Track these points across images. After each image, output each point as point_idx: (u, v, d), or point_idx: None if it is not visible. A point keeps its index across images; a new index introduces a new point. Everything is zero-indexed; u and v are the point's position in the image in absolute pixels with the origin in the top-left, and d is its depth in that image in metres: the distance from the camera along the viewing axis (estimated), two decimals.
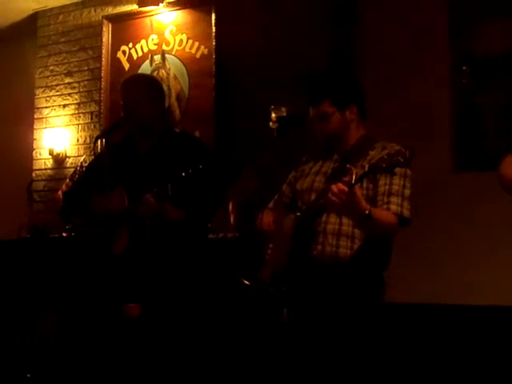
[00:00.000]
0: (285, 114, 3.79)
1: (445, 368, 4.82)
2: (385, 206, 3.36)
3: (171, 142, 4.06)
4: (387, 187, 3.41)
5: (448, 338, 4.94)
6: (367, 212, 3.16)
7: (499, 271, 4.93)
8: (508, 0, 5.24)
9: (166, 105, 5.88)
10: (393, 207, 3.37)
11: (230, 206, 5.23)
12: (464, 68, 5.43)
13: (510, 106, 5.22)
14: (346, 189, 3.06)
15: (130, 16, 6.77)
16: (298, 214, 3.52)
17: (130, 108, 4.02)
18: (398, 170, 3.37)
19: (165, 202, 3.76)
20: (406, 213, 3.40)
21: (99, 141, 4.32)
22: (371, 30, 5.61)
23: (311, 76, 4.15)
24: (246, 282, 3.66)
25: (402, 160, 3.05)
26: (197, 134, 5.83)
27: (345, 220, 3.45)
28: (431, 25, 5.48)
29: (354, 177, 3.09)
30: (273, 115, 3.78)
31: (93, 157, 4.48)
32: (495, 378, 4.65)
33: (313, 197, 3.55)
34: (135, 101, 4.01)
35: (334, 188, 3.08)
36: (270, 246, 3.64)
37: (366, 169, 3.12)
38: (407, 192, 3.43)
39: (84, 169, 5.44)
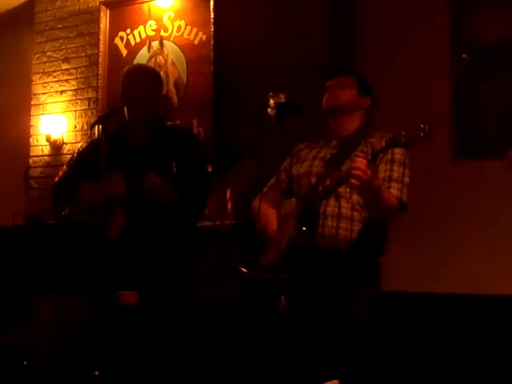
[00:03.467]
0: (283, 101, 3.74)
1: (438, 357, 4.82)
2: (385, 190, 3.38)
3: (165, 136, 4.05)
4: (388, 173, 3.47)
5: (442, 327, 4.93)
6: (378, 187, 3.23)
7: (497, 260, 4.92)
8: None
9: (164, 92, 5.87)
10: (393, 191, 3.44)
11: (228, 194, 5.21)
12: (464, 56, 5.41)
13: (509, 95, 5.20)
14: (365, 162, 3.08)
15: (128, 2, 6.73)
16: (301, 197, 3.52)
17: (132, 101, 4.02)
18: (397, 156, 3.40)
19: (168, 179, 3.75)
20: (405, 198, 3.47)
21: (96, 127, 4.30)
22: (369, 20, 5.58)
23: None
24: (243, 270, 3.65)
25: (421, 134, 3.04)
26: (195, 121, 5.83)
27: (344, 203, 3.51)
28: (431, 13, 5.45)
29: (370, 152, 3.15)
30: (271, 102, 3.74)
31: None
32: (490, 368, 4.65)
33: (312, 180, 3.57)
34: (139, 95, 4.00)
35: (358, 163, 3.10)
36: (270, 232, 3.61)
37: (384, 144, 3.14)
38: (406, 179, 3.50)
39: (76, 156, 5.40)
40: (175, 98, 6.29)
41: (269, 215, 3.59)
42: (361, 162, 3.09)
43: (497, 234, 4.97)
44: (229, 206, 5.26)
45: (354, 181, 3.17)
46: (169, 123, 4.31)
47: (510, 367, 4.54)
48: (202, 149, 3.82)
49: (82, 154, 4.38)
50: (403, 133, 3.08)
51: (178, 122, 6.00)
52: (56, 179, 6.46)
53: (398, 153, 3.48)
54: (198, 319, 4.23)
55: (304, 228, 3.45)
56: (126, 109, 4.06)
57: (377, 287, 3.60)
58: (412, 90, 5.36)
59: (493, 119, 5.27)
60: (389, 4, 5.59)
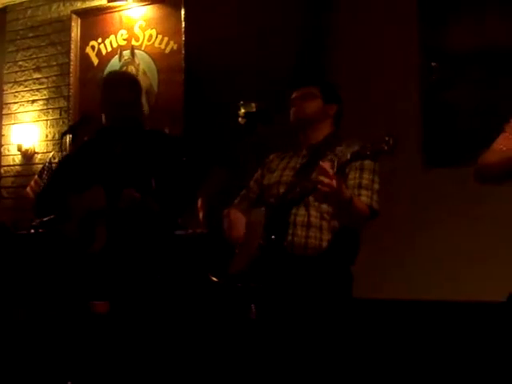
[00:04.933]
0: (254, 110, 3.76)
1: (411, 363, 4.83)
2: (355, 199, 3.39)
3: (145, 141, 4.04)
4: (357, 181, 3.48)
5: (415, 334, 4.95)
6: (349, 197, 3.23)
7: (466, 266, 4.95)
8: None
9: None
10: (363, 198, 3.44)
11: (199, 203, 5.21)
12: (433, 64, 5.45)
13: (479, 103, 5.24)
14: (332, 173, 3.08)
15: (99, 11, 6.73)
16: (270, 205, 3.53)
17: (114, 108, 4.00)
18: (367, 163, 3.42)
19: (147, 195, 3.76)
20: (376, 205, 3.47)
21: (66, 136, 4.28)
22: (340, 27, 5.60)
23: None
24: (214, 279, 3.66)
25: (386, 148, 3.06)
26: (166, 130, 5.80)
27: (313, 212, 3.50)
28: (400, 21, 5.48)
29: (336, 164, 3.12)
30: (242, 111, 3.76)
31: (61, 153, 4.43)
32: (464, 373, 4.66)
33: (281, 190, 3.58)
34: (122, 103, 3.99)
35: (323, 175, 3.08)
36: (240, 241, 3.63)
37: (349, 157, 3.15)
38: (376, 186, 3.50)
39: (54, 166, 5.38)
40: (146, 107, 6.27)
41: (238, 224, 3.61)
42: (326, 176, 3.10)
43: (468, 240, 5.00)
44: (200, 215, 5.26)
45: (319, 195, 3.20)
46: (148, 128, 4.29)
47: (489, 373, 4.56)
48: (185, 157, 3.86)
49: (62, 165, 4.34)
50: (368, 145, 3.10)
51: None
52: (27, 189, 6.47)
53: (368, 160, 3.50)
54: (175, 327, 4.23)
55: (273, 236, 3.46)
56: (104, 116, 4.05)
57: (348, 294, 3.61)
58: (383, 97, 5.38)
59: (463, 127, 5.30)
60: (359, 11, 5.61)
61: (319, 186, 3.11)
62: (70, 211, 4.00)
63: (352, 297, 3.63)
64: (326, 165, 3.12)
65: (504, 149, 3.15)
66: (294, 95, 3.71)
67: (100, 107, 4.06)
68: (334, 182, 3.08)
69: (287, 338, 3.47)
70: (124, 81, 4.20)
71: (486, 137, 3.44)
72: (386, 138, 3.06)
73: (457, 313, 4.88)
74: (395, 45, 5.44)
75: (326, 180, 3.08)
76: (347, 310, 3.58)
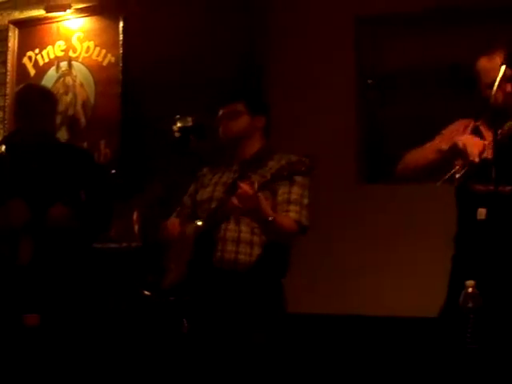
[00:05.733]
0: (190, 124, 3.79)
1: (343, 378, 4.87)
2: (284, 214, 3.43)
3: (60, 155, 4.02)
4: (286, 196, 3.51)
5: (346, 348, 4.99)
6: (271, 219, 3.28)
7: (399, 282, 5.00)
8: (413, 16, 5.34)
9: (71, 113, 5.86)
10: (292, 214, 3.48)
11: (135, 216, 5.19)
12: (369, 81, 5.52)
13: (413, 120, 5.32)
14: (249, 192, 3.13)
15: (37, 21, 6.64)
16: (200, 222, 3.55)
17: (24, 121, 3.98)
18: (297, 178, 3.46)
19: (75, 208, 3.75)
20: (305, 220, 3.52)
21: (1, 147, 4.24)
22: (277, 42, 5.64)
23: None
24: (146, 293, 3.66)
25: (303, 169, 3.12)
26: (102, 142, 5.79)
27: (244, 227, 3.53)
28: (338, 38, 5.54)
29: (256, 185, 3.15)
30: (178, 125, 3.79)
31: None
32: None
33: (213, 206, 3.59)
34: (30, 114, 3.97)
35: (241, 192, 3.18)
36: (172, 255, 3.65)
37: (268, 177, 3.19)
38: (305, 201, 3.55)
39: None
40: (83, 119, 6.23)
41: (174, 224, 3.63)
42: (244, 191, 3.15)
43: (400, 256, 5.05)
44: (135, 228, 5.24)
45: (238, 213, 3.25)
46: (67, 143, 4.28)
47: None
48: (105, 171, 3.84)
49: None
50: (286, 166, 3.17)
51: (85, 143, 5.95)
52: None
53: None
54: (104, 340, 4.20)
55: (203, 251, 3.47)
56: (16, 129, 4.03)
57: (280, 309, 3.63)
58: (319, 113, 5.41)
59: (397, 143, 5.37)
60: (297, 30, 5.66)
61: (240, 206, 3.17)
62: None
63: (285, 310, 3.66)
64: (246, 185, 3.17)
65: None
66: (220, 113, 3.73)
67: (14, 120, 4.05)
68: (251, 200, 3.13)
69: (218, 352, 3.48)
70: (32, 92, 4.17)
71: None
72: (303, 159, 3.13)
73: (388, 328, 4.94)
74: (332, 62, 5.49)
75: (244, 196, 3.16)
76: (279, 325, 3.60)
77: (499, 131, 2.98)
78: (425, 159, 3.34)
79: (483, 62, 3.23)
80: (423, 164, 3.35)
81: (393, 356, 4.82)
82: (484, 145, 3.12)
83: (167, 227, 3.69)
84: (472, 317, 2.63)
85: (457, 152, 3.14)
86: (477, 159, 3.08)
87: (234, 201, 3.20)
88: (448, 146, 3.19)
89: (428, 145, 3.46)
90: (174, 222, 3.69)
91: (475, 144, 3.12)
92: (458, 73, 5.11)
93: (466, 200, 3.20)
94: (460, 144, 3.12)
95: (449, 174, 3.18)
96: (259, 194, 3.21)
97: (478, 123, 3.36)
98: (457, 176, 3.19)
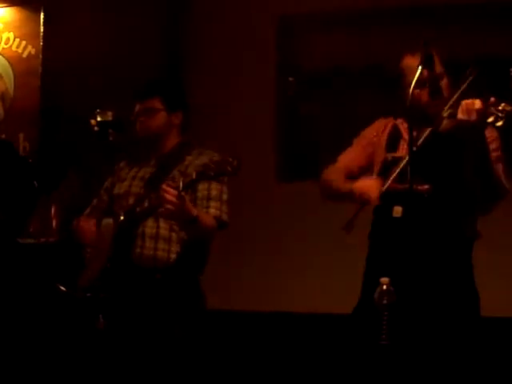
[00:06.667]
0: (110, 119, 3.75)
1: (267, 376, 4.89)
2: (204, 210, 3.43)
3: None
4: (206, 192, 3.51)
5: (267, 345, 5.01)
6: (195, 215, 3.26)
7: (317, 279, 5.05)
8: (333, 16, 5.39)
9: None
10: (212, 211, 3.48)
11: (53, 211, 5.12)
12: (290, 79, 5.55)
13: (332, 118, 5.37)
14: (176, 193, 3.13)
15: None
16: (121, 218, 3.51)
17: None
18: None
19: None
20: (225, 216, 3.53)
21: None
22: (200, 39, 5.63)
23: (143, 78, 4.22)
24: (63, 289, 3.61)
25: (230, 169, 3.12)
26: (21, 135, 5.69)
27: (162, 224, 3.52)
28: (260, 36, 5.57)
29: (181, 184, 3.16)
30: (98, 119, 3.74)
31: None
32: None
33: (131, 201, 3.58)
34: None
35: (167, 196, 3.15)
36: (90, 251, 3.61)
37: (194, 176, 3.19)
38: (225, 197, 3.56)
39: None
40: (1, 112, 6.08)
41: (88, 235, 3.58)
42: (171, 195, 3.14)
43: (318, 254, 5.10)
44: (54, 223, 5.17)
45: (163, 214, 3.24)
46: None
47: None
48: (26, 163, 3.79)
49: None
50: (212, 166, 3.16)
51: (3, 135, 5.84)
52: None
53: None
54: (24, 337, 4.15)
55: (122, 247, 3.45)
56: None
57: (198, 306, 3.62)
58: (240, 111, 5.44)
59: (316, 142, 5.42)
60: (219, 27, 5.66)
61: (164, 206, 3.16)
62: None
63: (204, 307, 3.66)
64: (170, 185, 3.16)
65: (341, 166, 3.32)
66: (137, 108, 3.69)
67: None
68: (178, 202, 3.13)
69: (135, 349, 3.46)
70: None
71: (337, 152, 3.57)
72: (230, 160, 3.14)
73: (311, 324, 4.97)
74: (254, 59, 5.51)
75: (169, 198, 3.13)
76: (197, 322, 3.60)
77: (415, 131, 3.02)
78: (337, 190, 3.41)
79: (407, 60, 3.27)
80: (337, 194, 3.41)
81: (313, 352, 4.87)
82: (381, 182, 3.18)
83: (82, 229, 3.63)
84: (386, 313, 2.66)
85: (355, 199, 3.19)
86: (377, 202, 3.18)
87: (162, 199, 3.17)
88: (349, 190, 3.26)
89: (342, 160, 3.50)
90: (89, 224, 3.63)
91: (372, 186, 3.21)
92: (380, 72, 5.18)
93: (380, 198, 3.24)
94: (356, 194, 3.21)
95: (350, 220, 3.22)
96: (183, 193, 3.20)
97: (398, 122, 3.41)
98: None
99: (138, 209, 3.50)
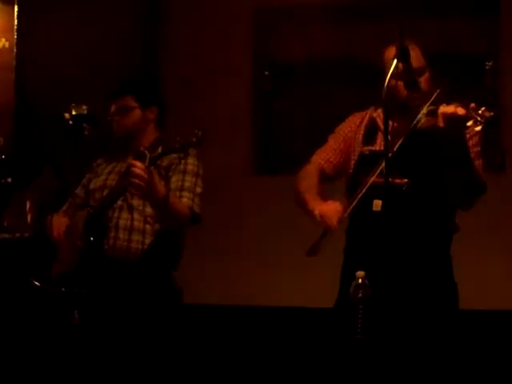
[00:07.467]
0: (86, 112, 3.74)
1: (237, 368, 4.90)
2: (174, 198, 3.42)
3: None
4: (180, 183, 3.52)
5: (239, 339, 5.02)
6: (164, 193, 3.26)
7: (290, 272, 5.05)
8: (309, 11, 5.40)
9: None
10: (185, 201, 3.47)
11: (28, 205, 5.09)
12: (266, 73, 5.55)
13: (307, 112, 5.38)
14: (143, 167, 3.14)
15: None
16: (91, 210, 3.50)
17: None
18: (190, 167, 3.51)
19: None
20: (197, 208, 3.52)
21: None
22: (176, 32, 5.63)
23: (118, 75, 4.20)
24: (37, 283, 3.59)
25: (194, 140, 3.15)
26: None
27: (136, 216, 3.53)
28: (237, 31, 5.59)
29: (147, 158, 3.17)
30: (72, 112, 3.73)
31: None
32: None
33: (105, 193, 3.57)
34: None
35: (135, 169, 3.14)
36: (62, 244, 3.59)
37: (160, 150, 3.18)
38: (198, 189, 3.56)
39: None
40: None
41: (55, 232, 3.57)
42: (138, 168, 3.13)
43: (290, 247, 5.08)
44: (29, 218, 5.14)
45: (132, 189, 3.22)
46: None
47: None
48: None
49: None
50: (178, 138, 3.17)
51: None
52: None
53: (191, 163, 3.55)
54: None
55: (91, 238, 3.43)
56: None
57: (171, 299, 3.61)
58: (215, 104, 5.44)
59: (292, 135, 5.43)
60: (196, 21, 5.66)
61: (131, 178, 3.15)
62: None
63: (180, 300, 3.65)
64: (137, 161, 3.15)
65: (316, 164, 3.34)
66: (112, 108, 3.69)
67: None
68: (145, 175, 3.12)
69: (110, 343, 3.45)
70: None
71: (312, 146, 3.57)
72: (196, 131, 3.14)
73: (286, 318, 4.98)
74: (229, 52, 5.52)
75: (137, 171, 3.12)
76: (171, 315, 3.59)
77: (392, 123, 3.00)
78: (305, 205, 3.36)
79: (389, 53, 3.24)
80: (304, 209, 3.39)
81: (291, 346, 4.88)
82: (344, 206, 3.19)
83: (51, 226, 3.61)
84: (361, 307, 2.66)
85: (317, 222, 3.21)
86: (336, 227, 3.17)
87: (131, 179, 3.16)
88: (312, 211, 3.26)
89: (316, 161, 3.50)
90: (59, 221, 3.61)
91: (331, 211, 3.19)
92: (355, 65, 5.19)
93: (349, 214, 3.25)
94: (318, 217, 3.20)
95: (314, 245, 3.23)
96: (151, 168, 3.19)
97: (375, 114, 3.40)
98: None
99: (109, 199, 3.49)
